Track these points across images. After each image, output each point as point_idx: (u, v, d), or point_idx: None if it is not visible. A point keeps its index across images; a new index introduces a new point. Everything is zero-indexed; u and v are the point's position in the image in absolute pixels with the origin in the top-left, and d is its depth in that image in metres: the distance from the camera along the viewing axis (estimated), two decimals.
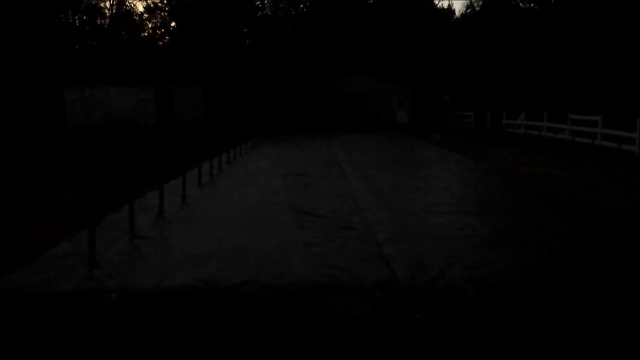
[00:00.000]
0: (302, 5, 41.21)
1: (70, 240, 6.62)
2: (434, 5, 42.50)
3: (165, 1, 42.61)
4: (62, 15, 40.34)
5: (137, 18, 44.32)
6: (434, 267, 5.81)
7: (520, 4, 36.86)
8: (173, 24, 43.61)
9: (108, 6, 43.18)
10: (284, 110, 35.63)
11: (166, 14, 43.74)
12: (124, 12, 43.46)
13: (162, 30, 44.48)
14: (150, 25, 44.60)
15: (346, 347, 4.07)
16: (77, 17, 41.76)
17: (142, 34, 44.25)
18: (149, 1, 43.08)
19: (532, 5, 35.71)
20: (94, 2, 42.02)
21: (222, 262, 6.01)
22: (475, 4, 41.75)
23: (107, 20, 43.28)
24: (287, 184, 11.47)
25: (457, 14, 44.67)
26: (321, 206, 9.09)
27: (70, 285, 5.26)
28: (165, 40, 44.03)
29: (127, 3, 44.23)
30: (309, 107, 36.33)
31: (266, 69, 36.44)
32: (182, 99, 33.29)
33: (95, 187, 10.15)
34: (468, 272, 5.69)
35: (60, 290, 5.13)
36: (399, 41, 37.37)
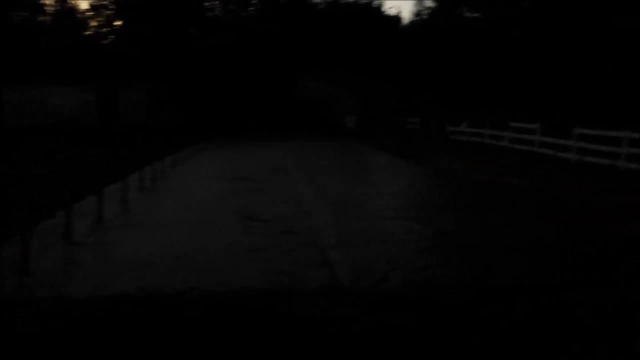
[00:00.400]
0: (251, 8, 40.98)
1: (1, 247, 6.30)
2: (383, 13, 43.18)
3: None
4: (1, 12, 38.63)
5: (80, 16, 42.94)
6: (377, 272, 5.85)
7: (467, 14, 37.89)
8: (119, 22, 42.51)
9: (51, 3, 41.66)
10: (232, 114, 35.33)
11: (111, 12, 42.60)
12: (67, 10, 42.03)
13: (107, 28, 43.27)
14: (94, 24, 43.30)
15: (287, 351, 4.03)
16: (18, 14, 40.07)
17: (86, 32, 42.92)
18: None
19: (477, 15, 36.78)
20: None
21: (164, 269, 5.86)
22: (423, 13, 42.66)
23: (50, 18, 41.74)
24: (234, 189, 11.35)
25: (406, 21, 45.42)
26: (268, 211, 9.03)
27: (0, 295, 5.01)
28: (110, 39, 42.84)
29: (70, 0, 42.72)
30: (259, 111, 36.19)
31: (216, 72, 36.04)
32: (127, 100, 32.49)
33: (30, 191, 9.72)
34: (410, 276, 5.77)
35: None
36: (349, 47, 37.74)
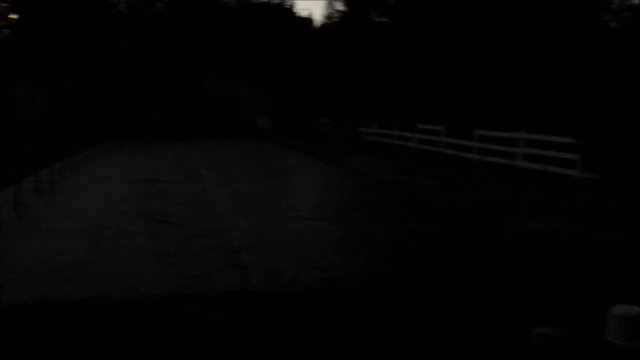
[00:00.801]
0: (159, 4, 39.73)
1: None
2: (294, 14, 43.36)
3: None
4: None
5: None
6: (289, 272, 5.84)
7: (376, 19, 38.87)
8: (15, 16, 39.70)
9: None
10: (140, 114, 34.08)
11: (7, 4, 39.70)
12: None
13: (2, 22, 40.27)
14: None
15: (196, 356, 3.92)
16: None
17: None
18: None
19: (386, 19, 37.83)
20: None
21: (63, 277, 5.51)
22: (334, 16, 43.28)
23: None
24: (141, 191, 10.93)
25: (317, 24, 45.89)
26: (176, 214, 8.77)
27: None
28: (5, 35, 39.92)
29: None
30: (168, 111, 35.16)
31: (122, 70, 34.59)
32: (24, 99, 30.43)
33: None
34: (322, 275, 5.80)
35: None
36: (261, 47, 37.57)
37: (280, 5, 42.52)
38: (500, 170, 15.55)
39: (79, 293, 5.06)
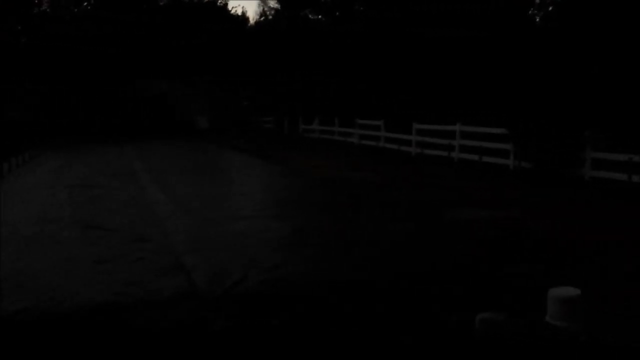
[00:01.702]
0: (85, 3, 38.27)
1: None
2: (228, 12, 42.83)
3: None
4: None
5: None
6: (234, 273, 5.73)
7: (310, 16, 38.91)
8: None
9: None
10: (70, 116, 32.73)
11: None
12: None
13: None
14: None
15: None
16: None
17: None
18: None
19: (319, 16, 37.95)
20: None
21: None
22: (268, 13, 43.04)
23: None
24: (74, 197, 10.48)
25: (252, 21, 45.48)
26: (113, 219, 8.45)
27: None
28: None
29: None
30: (100, 113, 33.96)
31: (50, 71, 33.08)
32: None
33: None
34: (267, 274, 5.73)
35: None
36: (197, 46, 36.88)
37: (214, 3, 41.89)
38: (439, 162, 15.91)
39: (11, 307, 4.78)
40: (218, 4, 42.12)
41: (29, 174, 14.47)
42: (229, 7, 43.27)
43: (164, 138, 29.37)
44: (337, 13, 33.16)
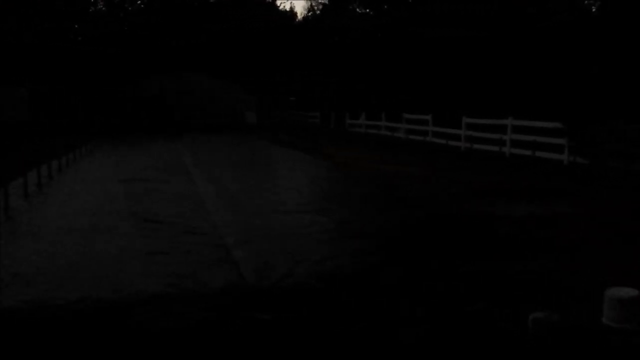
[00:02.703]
0: (139, 2, 39.30)
1: None
2: (277, 7, 43.16)
3: None
4: None
5: None
6: (282, 267, 5.80)
7: (357, 9, 38.76)
8: None
9: None
10: (123, 111, 33.72)
11: None
12: None
13: None
14: None
15: (191, 355, 3.87)
16: None
17: None
18: None
19: (367, 10, 37.75)
20: None
21: (53, 280, 5.43)
22: (316, 8, 43.16)
23: None
24: (128, 191, 10.80)
25: (300, 16, 45.70)
26: (165, 212, 8.67)
27: None
28: None
29: None
30: (152, 109, 34.83)
31: (104, 69, 34.19)
32: (3, 100, 29.95)
33: None
34: (314, 267, 5.77)
35: None
36: (245, 42, 37.33)
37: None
38: (489, 157, 15.59)
39: (70, 295, 4.98)
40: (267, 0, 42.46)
41: (85, 169, 15.02)
42: (278, 3, 43.50)
43: (212, 133, 29.89)
44: (385, 6, 32.87)
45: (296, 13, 45.71)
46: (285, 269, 5.70)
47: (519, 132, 15.13)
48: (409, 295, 4.94)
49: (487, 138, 16.43)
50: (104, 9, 38.98)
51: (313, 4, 43.58)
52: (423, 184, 11.52)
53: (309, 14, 44.12)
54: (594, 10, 22.24)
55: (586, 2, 23.08)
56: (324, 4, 40.52)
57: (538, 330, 3.49)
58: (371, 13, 36.77)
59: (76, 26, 38.02)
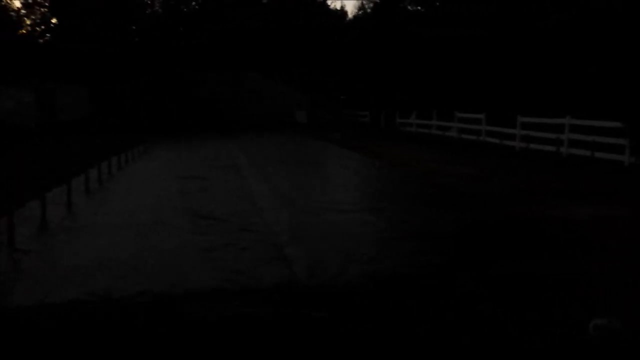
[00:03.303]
0: (194, 2, 40.20)
1: None
2: (328, 7, 43.23)
3: None
4: None
5: (14, 14, 41.07)
6: (333, 265, 5.85)
7: (409, 7, 38.38)
8: (54, 20, 40.92)
9: None
10: (178, 110, 34.58)
11: (46, 9, 40.94)
12: None
13: (42, 27, 41.58)
14: (28, 22, 41.53)
15: (246, 350, 3.97)
16: None
17: (21, 31, 41.09)
18: None
19: (419, 8, 37.33)
20: None
21: (114, 273, 5.67)
22: (367, 6, 42.98)
23: None
24: (184, 188, 11.11)
25: (350, 15, 45.66)
26: (220, 209, 8.88)
27: None
28: (46, 38, 41.19)
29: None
30: (205, 107, 35.56)
31: (160, 68, 35.18)
32: (67, 99, 31.27)
33: None
34: (366, 267, 5.79)
35: None
36: (296, 41, 37.61)
37: None
38: (545, 157, 15.17)
39: (130, 289, 5.19)
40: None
41: (145, 165, 15.52)
42: (329, 2, 43.58)
43: (264, 132, 30.26)
44: (437, 3, 32.42)
45: (346, 12, 45.68)
46: (337, 268, 5.74)
47: (576, 132, 14.66)
48: (456, 297, 4.89)
49: (543, 137, 15.98)
50: (160, 10, 40.09)
51: (364, 2, 43.43)
52: (476, 184, 11.32)
53: (360, 12, 44.01)
54: None
55: None
56: (375, 3, 40.31)
57: (599, 336, 3.40)
58: (423, 10, 36.36)
59: (134, 27, 39.29)
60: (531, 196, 9.69)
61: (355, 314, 4.59)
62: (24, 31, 41.24)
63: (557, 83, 20.68)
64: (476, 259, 6.08)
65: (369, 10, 42.27)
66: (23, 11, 41.26)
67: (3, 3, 40.70)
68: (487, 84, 23.95)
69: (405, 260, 6.09)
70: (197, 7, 40.19)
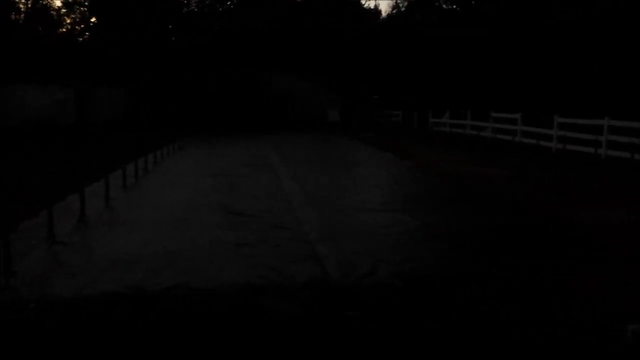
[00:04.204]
0: (229, 2, 40.63)
1: None
2: (362, 6, 43.10)
3: None
4: None
5: (54, 13, 42.21)
6: (364, 265, 5.85)
7: (444, 6, 38.03)
8: (93, 19, 41.90)
9: (23, 1, 40.87)
10: (212, 110, 35.02)
11: (86, 9, 41.94)
12: (39, 7, 41.24)
13: (82, 26, 42.61)
14: (68, 21, 42.60)
15: (277, 347, 4.01)
16: None
17: (60, 30, 42.21)
18: None
19: (454, 6, 36.95)
20: None
21: (149, 267, 5.79)
22: (401, 5, 42.71)
23: (22, 16, 40.93)
24: (217, 185, 11.26)
25: (384, 14, 45.44)
26: (252, 206, 8.97)
27: None
28: (85, 37, 42.20)
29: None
30: (238, 107, 35.92)
31: (193, 67, 35.68)
32: (105, 98, 32.03)
33: (10, 191, 9.55)
34: (397, 267, 5.78)
35: None
36: (329, 40, 37.65)
37: None
38: (582, 159, 14.85)
39: (165, 282, 5.30)
40: None
41: (179, 162, 15.78)
42: (362, 1, 43.43)
43: (296, 131, 30.42)
44: (473, 2, 32.04)
45: (381, 11, 45.50)
46: (368, 267, 5.75)
47: (616, 133, 14.30)
48: (486, 299, 4.84)
49: (580, 139, 15.64)
50: (196, 10, 40.63)
51: (398, 1, 43.16)
52: (510, 186, 11.16)
53: (394, 11, 43.77)
54: None
55: None
56: (409, 1, 40.03)
57: (637, 341, 3.33)
58: (458, 9, 35.96)
59: (170, 27, 39.92)
60: (567, 199, 9.50)
61: (386, 314, 4.59)
62: (64, 30, 42.34)
63: (596, 83, 20.22)
64: (507, 262, 6.01)
65: (403, 9, 42.02)
66: (63, 10, 42.36)
67: (44, 2, 41.88)
68: (523, 84, 23.56)
69: (436, 261, 6.06)
70: (232, 6, 40.59)
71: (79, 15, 42.36)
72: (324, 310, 4.66)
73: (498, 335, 4.11)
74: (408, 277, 5.47)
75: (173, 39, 39.47)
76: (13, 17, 40.53)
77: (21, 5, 40.87)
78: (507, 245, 6.71)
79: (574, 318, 4.32)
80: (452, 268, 5.80)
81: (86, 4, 41.52)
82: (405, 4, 41.38)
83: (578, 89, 20.72)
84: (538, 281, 5.30)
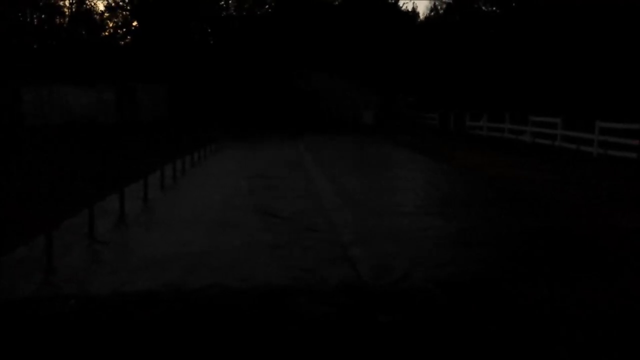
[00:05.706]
0: (267, 6, 41.02)
1: (26, 245, 6.39)
2: (399, 8, 42.88)
3: (126, 0, 41.86)
4: (19, 14, 39.19)
5: (97, 17, 43.37)
6: (399, 268, 5.82)
7: (483, 8, 37.49)
8: (135, 23, 42.88)
9: (67, 5, 42.16)
10: (249, 111, 35.41)
11: (127, 13, 42.96)
12: (83, 11, 42.46)
13: (124, 29, 43.64)
14: (111, 25, 43.69)
15: (310, 349, 4.03)
16: (35, 16, 40.60)
17: (103, 33, 43.34)
18: (109, 0, 42.18)
19: (494, 8, 36.38)
20: (52, 1, 40.93)
21: (186, 266, 5.89)
22: (439, 7, 42.32)
23: (67, 20, 42.21)
24: (252, 186, 11.36)
25: (422, 16, 45.09)
26: (286, 208, 9.02)
27: (26, 292, 5.07)
28: (127, 40, 43.24)
29: (87, 2, 43.18)
30: (274, 108, 36.21)
31: (231, 69, 36.15)
32: (145, 99, 32.79)
33: (53, 190, 9.85)
34: (432, 271, 5.73)
35: (15, 298, 4.94)
36: (365, 43, 37.58)
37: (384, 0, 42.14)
38: (624, 164, 14.43)
39: (201, 281, 5.38)
40: (389, 0, 42.23)
41: (215, 164, 15.99)
42: (400, 3, 43.22)
43: (331, 132, 30.38)
44: (513, 4, 31.49)
45: (418, 13, 45.12)
46: (402, 271, 5.71)
47: None
48: (522, 306, 4.75)
49: (623, 144, 15.20)
50: (234, 13, 41.14)
51: (436, 3, 42.78)
52: (549, 191, 10.92)
53: (432, 13, 43.40)
54: None
55: None
56: (448, 3, 39.64)
57: None
58: (498, 11, 35.40)
59: (209, 30, 40.53)
60: (603, 206, 9.24)
61: (421, 319, 4.55)
62: (107, 33, 43.45)
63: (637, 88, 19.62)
64: (544, 268, 5.88)
65: (441, 12, 41.62)
66: (106, 14, 43.50)
67: (88, 7, 43.09)
68: (564, 87, 23.03)
69: (472, 266, 5.98)
70: (269, 10, 40.93)
71: (121, 19, 43.41)
72: (357, 313, 4.65)
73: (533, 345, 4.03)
74: (443, 282, 5.41)
75: (211, 42, 40.05)
76: (58, 21, 41.85)
77: (66, 10, 42.17)
78: (546, 252, 6.56)
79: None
80: (489, 274, 5.72)
81: (128, 8, 42.53)
82: (444, 6, 40.98)
83: (622, 92, 20.14)
84: (590, 300, 5.17)
